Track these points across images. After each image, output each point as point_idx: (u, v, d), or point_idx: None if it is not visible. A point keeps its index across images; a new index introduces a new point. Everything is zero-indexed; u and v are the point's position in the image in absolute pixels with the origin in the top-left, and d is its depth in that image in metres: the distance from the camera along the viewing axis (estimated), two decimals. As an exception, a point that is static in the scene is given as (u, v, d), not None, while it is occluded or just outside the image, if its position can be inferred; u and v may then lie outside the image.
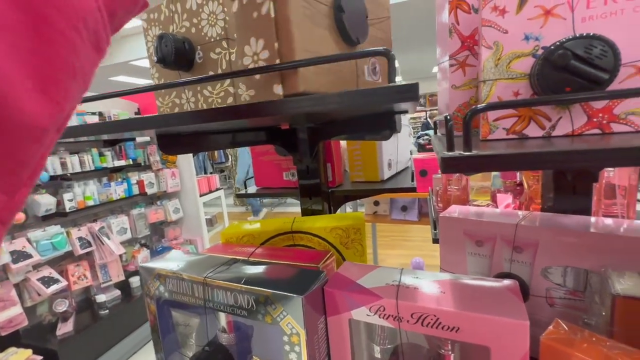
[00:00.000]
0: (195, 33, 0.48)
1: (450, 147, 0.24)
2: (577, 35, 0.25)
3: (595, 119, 0.28)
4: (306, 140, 0.61)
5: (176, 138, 0.55)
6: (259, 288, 0.34)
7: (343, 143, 0.81)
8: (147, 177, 2.39)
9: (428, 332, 0.30)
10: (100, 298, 1.90)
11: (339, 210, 0.76)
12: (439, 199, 0.78)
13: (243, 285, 0.35)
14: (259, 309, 0.34)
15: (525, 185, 0.73)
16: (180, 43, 0.47)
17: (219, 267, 0.40)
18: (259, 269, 0.38)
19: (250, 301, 0.34)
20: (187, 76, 0.50)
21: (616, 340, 0.35)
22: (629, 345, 0.32)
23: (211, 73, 0.47)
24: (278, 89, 0.29)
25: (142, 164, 2.43)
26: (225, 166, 5.69)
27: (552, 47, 0.25)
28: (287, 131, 0.63)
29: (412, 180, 0.71)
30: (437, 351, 0.32)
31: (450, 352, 0.31)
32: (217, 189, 3.04)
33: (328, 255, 0.48)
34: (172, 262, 0.43)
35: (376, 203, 2.65)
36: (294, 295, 0.32)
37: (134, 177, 2.32)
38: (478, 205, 0.75)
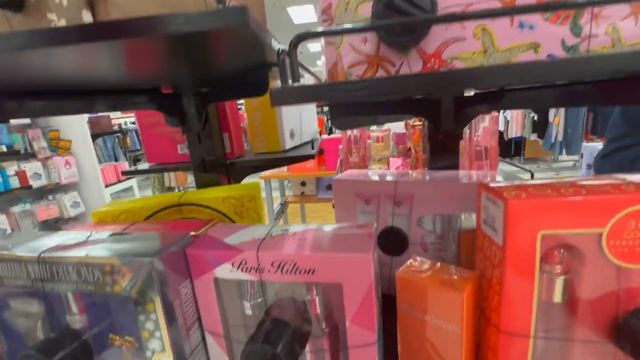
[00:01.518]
0: (23, -36, 0.39)
1: (284, 81, 0.23)
2: (402, -25, 0.26)
3: (428, 64, 0.30)
4: (192, 104, 0.56)
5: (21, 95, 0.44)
6: (104, 256, 0.30)
7: (244, 112, 0.77)
8: (31, 167, 2.01)
9: (288, 278, 0.30)
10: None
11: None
12: (342, 167, 0.82)
13: (85, 256, 0.30)
14: (106, 280, 0.30)
15: (413, 150, 0.80)
16: (1, -25, 0.37)
17: (65, 242, 0.34)
18: (114, 240, 0.34)
19: (96, 273, 0.30)
20: (18, 19, 0.40)
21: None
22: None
23: (49, 15, 0.39)
24: (87, 16, 0.25)
25: (22, 152, 2.03)
26: (142, 154, 5.12)
27: (381, -14, 0.26)
28: (170, 96, 0.57)
29: (313, 149, 0.72)
30: (303, 301, 0.33)
31: (315, 297, 0.32)
32: (128, 178, 2.71)
33: (212, 224, 0.45)
34: (6, 243, 0.35)
35: (303, 184, 2.68)
36: (142, 259, 0.29)
37: (10, 167, 1.92)
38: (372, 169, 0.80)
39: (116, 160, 4.54)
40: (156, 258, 0.29)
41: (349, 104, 0.47)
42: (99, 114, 4.42)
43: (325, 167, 2.07)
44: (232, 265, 0.31)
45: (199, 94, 0.56)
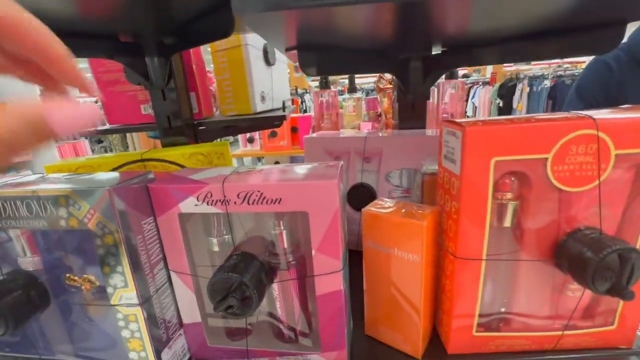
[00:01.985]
0: None
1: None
2: None
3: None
4: (154, 55, 0.53)
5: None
6: (57, 188, 0.28)
7: (212, 76, 0.75)
8: (-25, 142, 1.82)
9: (254, 209, 0.30)
10: None
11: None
12: (314, 134, 0.82)
13: (35, 189, 0.28)
14: (60, 214, 0.28)
15: (383, 116, 0.82)
16: None
17: (13, 181, 0.32)
18: (69, 179, 0.32)
19: (49, 206, 0.28)
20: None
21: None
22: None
23: None
24: None
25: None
26: (104, 136, 4.80)
27: None
28: (130, 45, 0.54)
29: (284, 111, 0.71)
30: (271, 240, 0.33)
31: (282, 230, 0.32)
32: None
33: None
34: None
35: (277, 163, 2.66)
36: (99, 187, 0.27)
37: (-50, 142, 1.74)
38: (344, 133, 0.81)
39: (74, 139, 4.24)
40: (114, 187, 0.28)
41: (319, 47, 0.46)
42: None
43: (300, 146, 2.05)
44: (197, 198, 0.30)
45: (161, 44, 0.53)
